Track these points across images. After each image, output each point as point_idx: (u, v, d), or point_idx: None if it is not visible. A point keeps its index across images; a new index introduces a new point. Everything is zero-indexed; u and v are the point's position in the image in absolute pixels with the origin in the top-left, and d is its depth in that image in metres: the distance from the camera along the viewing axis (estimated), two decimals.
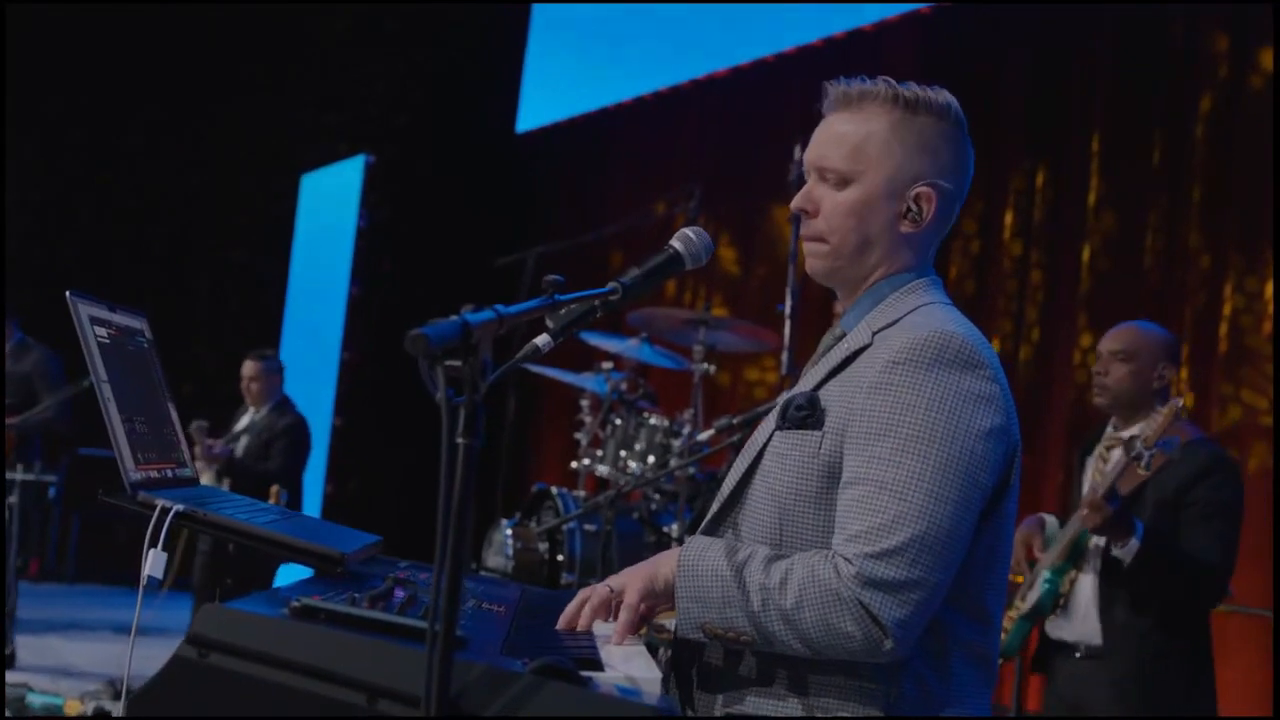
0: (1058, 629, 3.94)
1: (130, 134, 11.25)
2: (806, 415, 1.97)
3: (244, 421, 7.20)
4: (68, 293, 1.96)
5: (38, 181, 10.88)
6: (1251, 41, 5.82)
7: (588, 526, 5.43)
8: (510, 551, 5.38)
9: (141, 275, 10.95)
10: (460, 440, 1.41)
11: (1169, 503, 3.78)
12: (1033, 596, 3.93)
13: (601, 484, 6.06)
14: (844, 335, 2.08)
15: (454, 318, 1.43)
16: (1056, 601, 3.91)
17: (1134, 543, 3.65)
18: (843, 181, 2.04)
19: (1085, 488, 3.96)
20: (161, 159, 11.38)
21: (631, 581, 1.99)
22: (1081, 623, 3.87)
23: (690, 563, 1.94)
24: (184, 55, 11.12)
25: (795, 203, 2.08)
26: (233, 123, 11.51)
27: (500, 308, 1.57)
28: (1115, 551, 3.72)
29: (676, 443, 5.43)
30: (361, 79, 11.36)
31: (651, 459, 5.44)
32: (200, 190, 11.50)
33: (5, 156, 9.94)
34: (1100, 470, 3.90)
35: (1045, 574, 3.90)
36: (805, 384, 2.05)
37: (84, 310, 1.99)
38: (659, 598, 1.99)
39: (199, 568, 6.41)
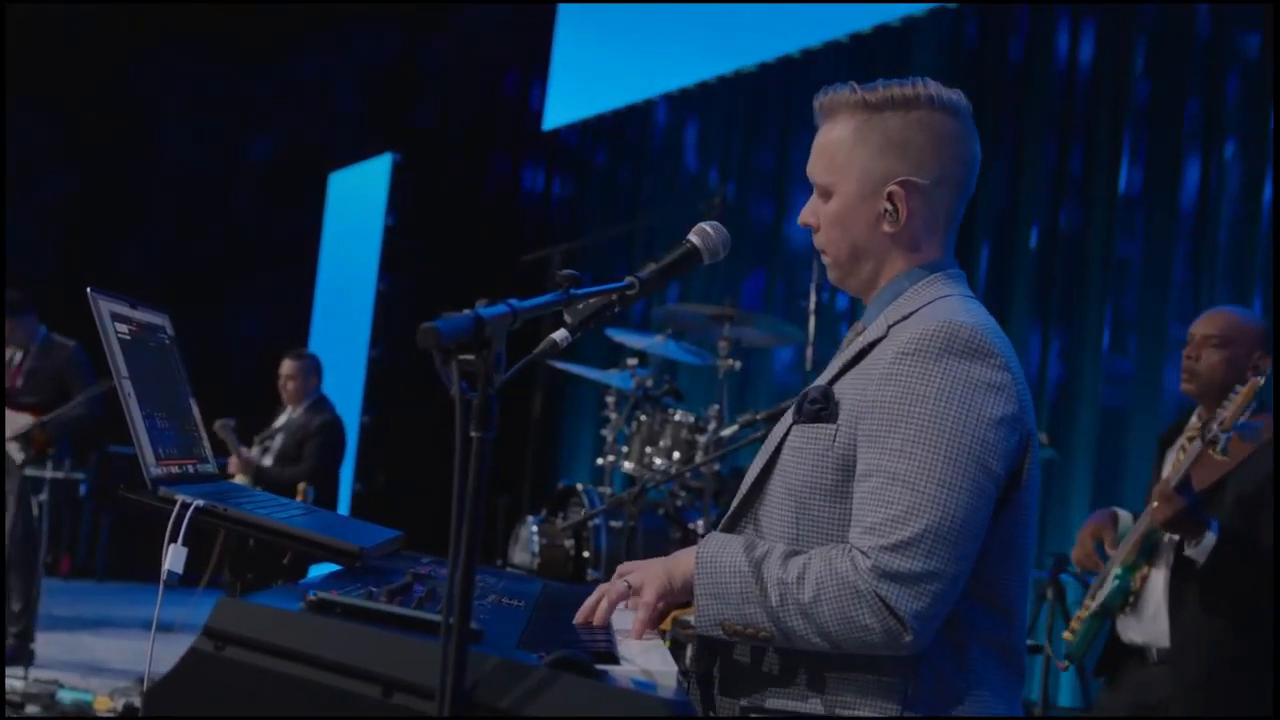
0: (1128, 629, 3.76)
1: (158, 133, 11.30)
2: (821, 409, 1.98)
3: (281, 420, 7.25)
4: (89, 289, 1.97)
5: (57, 176, 10.93)
6: None
7: (613, 523, 5.43)
8: (536, 548, 5.39)
9: (169, 275, 11.01)
10: (474, 434, 1.41)
11: (1252, 500, 3.54)
12: (1102, 594, 3.74)
13: (628, 480, 6.06)
14: (864, 330, 2.08)
15: (467, 312, 1.43)
16: (1126, 599, 3.71)
17: (1209, 539, 3.42)
18: (826, 193, 2.07)
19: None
20: (190, 159, 11.42)
21: (649, 579, 1.99)
22: (1152, 622, 3.68)
23: (708, 559, 1.94)
24: (211, 54, 11.17)
25: (801, 218, 2.12)
26: (261, 121, 11.55)
27: (514, 302, 1.57)
28: (1188, 550, 3.48)
29: (701, 439, 5.42)
30: (388, 76, 11.39)
31: (677, 455, 5.44)
32: (229, 190, 11.55)
33: (5, 152, 9.94)
34: (1179, 463, 3.63)
35: (1116, 570, 3.71)
36: (824, 377, 2.06)
37: (105, 307, 2.01)
38: (676, 595, 1.99)
39: (229, 566, 6.43)
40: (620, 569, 2.07)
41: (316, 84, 11.44)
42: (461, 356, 1.42)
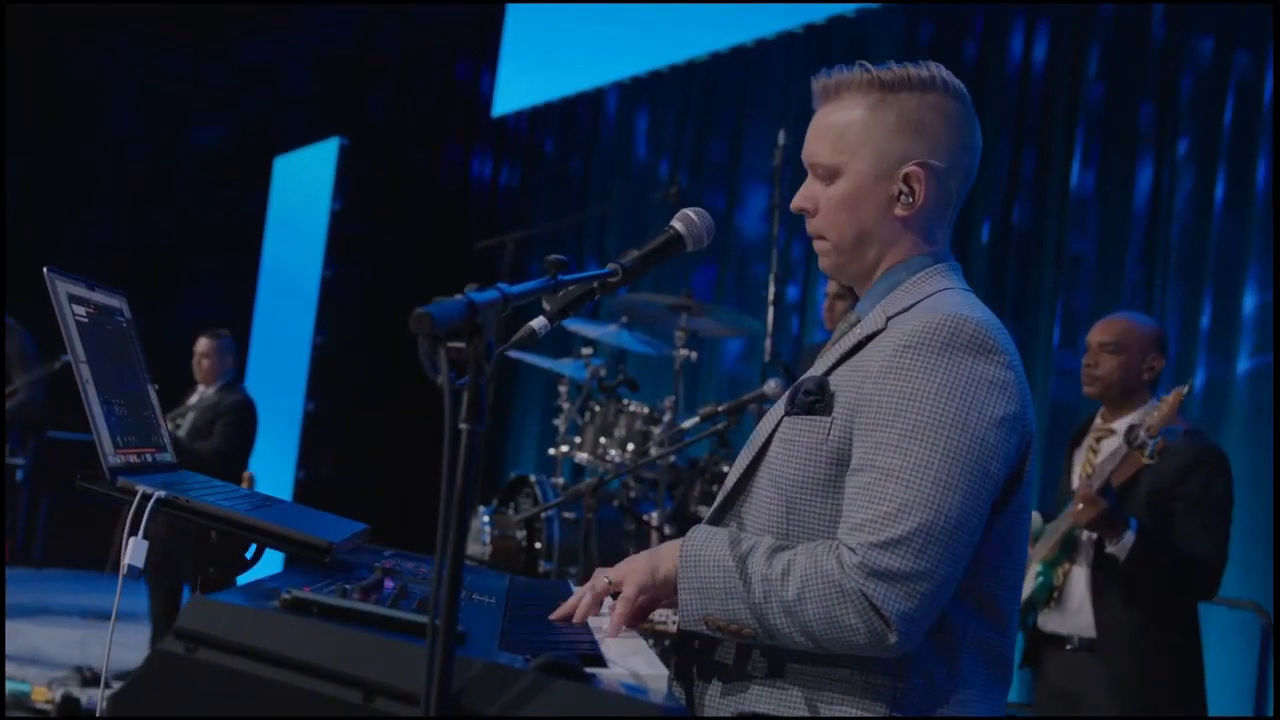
0: (1050, 622, 3.90)
1: (104, 115, 11.09)
2: (815, 400, 1.91)
3: (194, 399, 7.15)
4: (45, 269, 1.87)
5: (4, 159, 10.70)
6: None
7: (566, 514, 5.37)
8: (487, 539, 5.32)
9: (113, 256, 10.80)
10: (463, 425, 1.35)
11: (1163, 494, 3.75)
12: (1025, 591, 3.86)
13: (579, 470, 6.01)
14: (859, 321, 2.01)
15: (459, 297, 1.36)
16: (1050, 595, 3.86)
17: (1129, 537, 3.62)
18: (831, 175, 1.98)
19: (1075, 481, 3.92)
20: (136, 141, 11.22)
21: (630, 574, 1.93)
22: (1075, 615, 3.83)
23: (693, 554, 1.87)
24: (160, 36, 10.96)
25: (795, 203, 2.04)
26: (210, 104, 11.37)
27: (505, 287, 1.51)
28: (1109, 548, 3.68)
29: (657, 430, 5.37)
30: (337, 61, 11.24)
31: (631, 446, 5.39)
32: (175, 173, 11.36)
33: None
34: (1090, 462, 3.87)
35: (1038, 567, 3.85)
36: (817, 369, 1.98)
37: (62, 288, 1.91)
38: (659, 590, 1.92)
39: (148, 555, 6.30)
40: (599, 570, 2.01)
41: (266, 68, 11.27)
42: (451, 344, 1.35)
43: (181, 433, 6.95)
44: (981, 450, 1.79)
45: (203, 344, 7.16)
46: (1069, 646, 3.84)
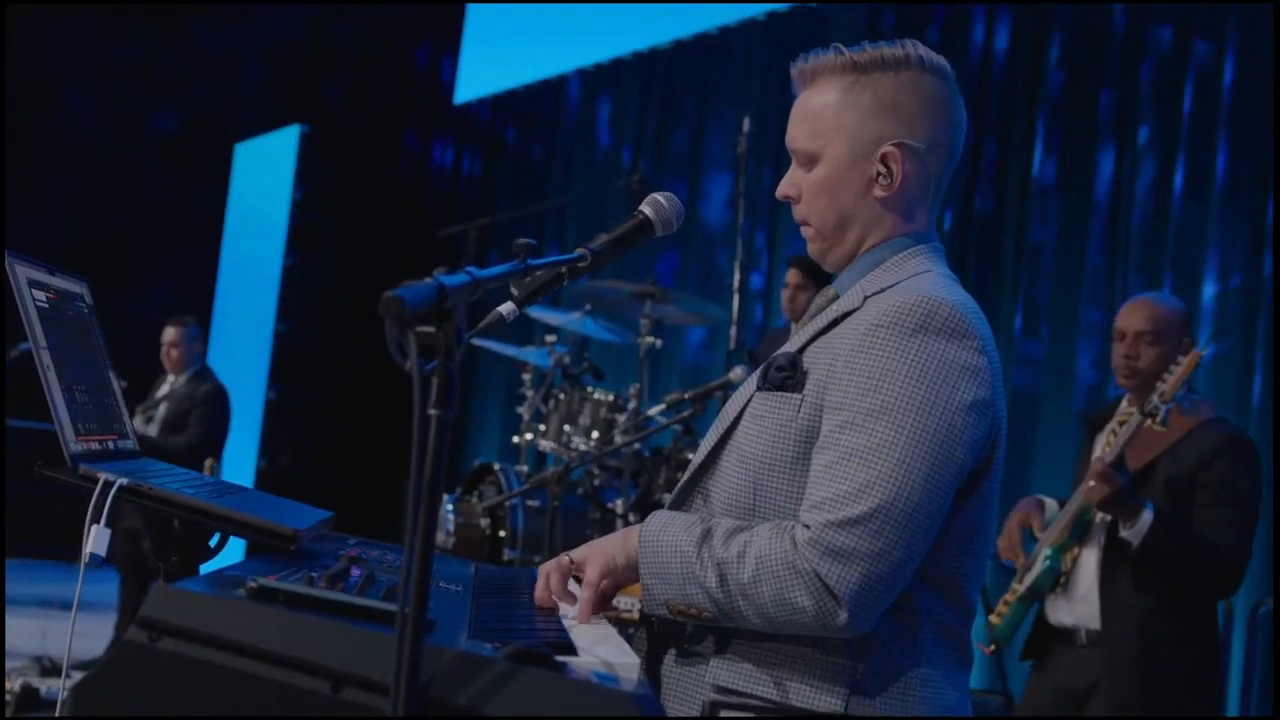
0: (1057, 611, 3.76)
1: (59, 101, 10.95)
2: (787, 377, 1.89)
3: (164, 389, 7.08)
4: (5, 253, 1.84)
5: None
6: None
7: (530, 502, 5.36)
8: (452, 527, 5.30)
9: (70, 245, 10.68)
10: (433, 411, 1.33)
11: (1181, 482, 3.58)
12: (1030, 577, 3.73)
13: (542, 458, 5.99)
14: (836, 297, 2.00)
15: (428, 280, 1.34)
16: (1057, 580, 3.71)
17: (1146, 517, 3.45)
18: (810, 160, 1.98)
19: None
20: (92, 128, 11.09)
21: (593, 557, 1.93)
22: (1082, 603, 3.69)
23: (651, 539, 1.87)
24: (116, 21, 10.83)
25: (779, 190, 2.03)
26: (167, 91, 11.24)
27: (474, 270, 1.49)
28: (1123, 532, 3.51)
29: (621, 418, 5.36)
30: (297, 47, 11.14)
31: (596, 434, 5.38)
32: (133, 160, 11.23)
33: None
34: (1110, 444, 3.66)
35: (1046, 551, 3.70)
36: (791, 345, 1.97)
37: (22, 273, 1.88)
38: (621, 574, 1.92)
39: (120, 543, 6.26)
40: (569, 552, 2.00)
41: (224, 54, 11.17)
42: (420, 328, 1.33)
43: (154, 425, 6.89)
44: (948, 434, 1.78)
45: (170, 333, 7.09)
46: (1079, 643, 3.69)
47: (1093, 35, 6.31)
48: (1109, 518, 3.61)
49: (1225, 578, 3.57)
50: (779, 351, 1.97)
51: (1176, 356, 3.57)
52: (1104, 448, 3.72)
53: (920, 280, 1.92)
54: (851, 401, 1.80)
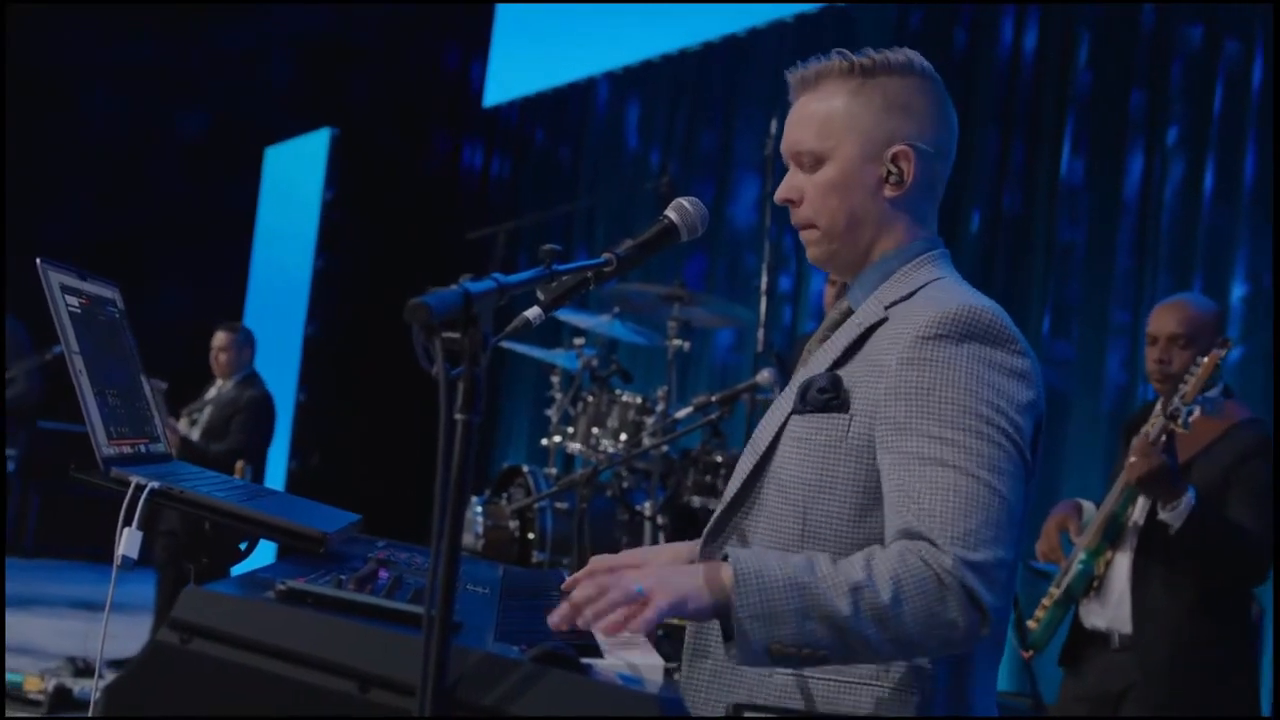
0: (1090, 615, 3.74)
1: (85, 103, 11.04)
2: (831, 398, 1.87)
3: (211, 393, 7.11)
4: (38, 260, 1.87)
5: None
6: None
7: (559, 504, 5.37)
8: (480, 529, 5.32)
9: (97, 250, 10.76)
10: (459, 416, 1.35)
11: (1216, 486, 3.56)
12: (1066, 580, 3.72)
13: (571, 461, 6.01)
14: (850, 311, 2.00)
15: (454, 287, 1.36)
16: (1090, 584, 3.69)
17: (1188, 500, 3.40)
18: (817, 162, 1.97)
19: None
20: (118, 130, 11.18)
21: (662, 592, 1.67)
22: (1115, 607, 3.67)
23: (752, 576, 1.68)
24: (140, 22, 10.91)
25: (778, 194, 2.02)
26: (193, 93, 11.32)
27: (500, 277, 1.50)
28: (1163, 514, 3.45)
29: (649, 420, 5.37)
30: (325, 49, 11.20)
31: (624, 436, 5.39)
32: (164, 163, 11.31)
33: None
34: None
35: (1080, 555, 3.69)
36: (817, 364, 1.95)
37: (55, 278, 1.91)
38: (693, 614, 1.71)
39: (161, 546, 6.30)
40: (599, 562, 1.99)
41: (249, 54, 11.22)
42: (446, 334, 1.35)
43: (197, 429, 6.91)
44: (1017, 435, 1.79)
45: (220, 338, 7.09)
46: (1113, 646, 3.66)
47: (1122, 35, 6.28)
48: (1140, 522, 3.60)
49: (1258, 562, 3.54)
50: (812, 374, 1.93)
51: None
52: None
53: (942, 287, 1.92)
54: (919, 414, 1.78)
